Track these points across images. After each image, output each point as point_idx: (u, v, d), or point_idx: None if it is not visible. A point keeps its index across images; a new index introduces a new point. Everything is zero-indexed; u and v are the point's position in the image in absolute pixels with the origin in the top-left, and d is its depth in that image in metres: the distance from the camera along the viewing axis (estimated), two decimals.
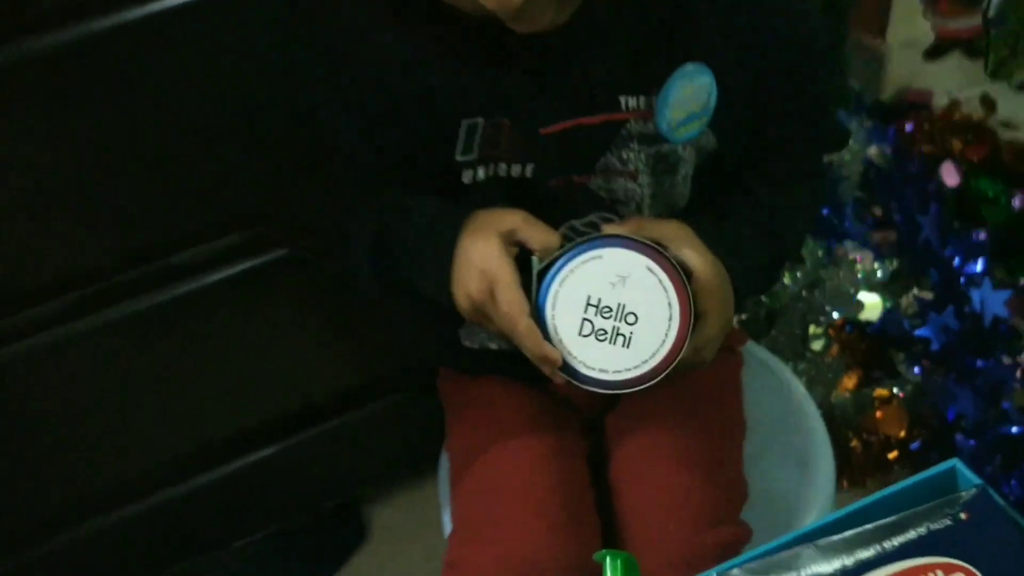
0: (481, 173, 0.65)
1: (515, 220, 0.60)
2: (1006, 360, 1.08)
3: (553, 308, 0.58)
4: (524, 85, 0.62)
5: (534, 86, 0.62)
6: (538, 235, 0.60)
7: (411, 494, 1.18)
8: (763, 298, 1.13)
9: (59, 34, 0.73)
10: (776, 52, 0.65)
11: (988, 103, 1.49)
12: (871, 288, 1.14)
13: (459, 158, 0.63)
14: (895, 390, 1.10)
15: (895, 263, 1.15)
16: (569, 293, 0.58)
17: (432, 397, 0.83)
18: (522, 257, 0.60)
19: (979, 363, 1.07)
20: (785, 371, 0.94)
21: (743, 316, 1.14)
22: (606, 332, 0.57)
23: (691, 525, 0.65)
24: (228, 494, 1.07)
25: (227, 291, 0.93)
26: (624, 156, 0.66)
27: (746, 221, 0.68)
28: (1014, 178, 1.36)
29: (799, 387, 0.93)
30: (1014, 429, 1.00)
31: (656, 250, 0.59)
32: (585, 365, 0.58)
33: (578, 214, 0.67)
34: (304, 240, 0.83)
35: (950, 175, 1.38)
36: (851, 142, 1.21)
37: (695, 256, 0.61)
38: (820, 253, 1.14)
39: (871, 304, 1.11)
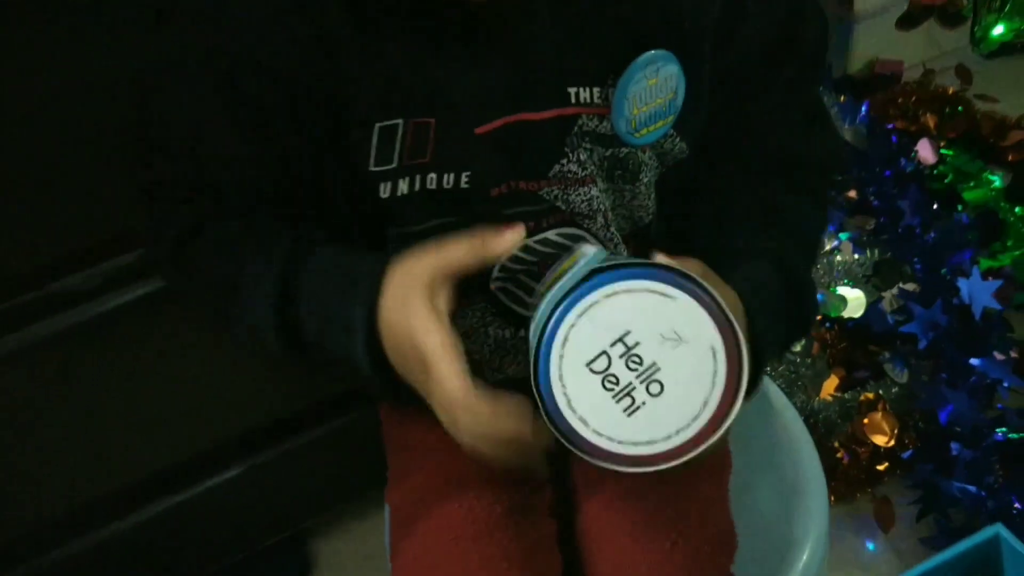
0: (404, 186, 0.53)
1: (431, 262, 0.47)
2: (999, 356, 1.00)
3: (563, 349, 0.42)
4: (452, 75, 0.51)
5: (464, 75, 0.51)
6: (473, 251, 0.48)
7: (357, 524, 1.11)
8: None
9: None
10: (760, 18, 0.54)
11: (964, 74, 1.41)
12: (852, 282, 1.05)
13: (374, 169, 0.52)
14: (880, 392, 1.02)
15: (876, 254, 1.07)
16: (593, 331, 0.43)
17: (377, 419, 0.74)
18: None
19: (972, 361, 0.99)
20: (764, 381, 0.85)
21: None
22: (626, 390, 0.43)
23: None
24: (157, 537, 0.98)
25: (139, 313, 0.83)
26: (582, 158, 0.55)
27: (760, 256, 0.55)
28: (994, 154, 1.29)
29: (780, 397, 0.84)
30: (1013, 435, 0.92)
31: (725, 316, 0.43)
32: (599, 433, 0.43)
33: (530, 230, 0.56)
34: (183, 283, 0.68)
35: (927, 152, 1.30)
36: None
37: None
38: None
39: (854, 300, 1.02)
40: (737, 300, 0.48)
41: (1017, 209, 1.19)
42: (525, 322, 0.57)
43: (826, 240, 1.10)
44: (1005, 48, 1.49)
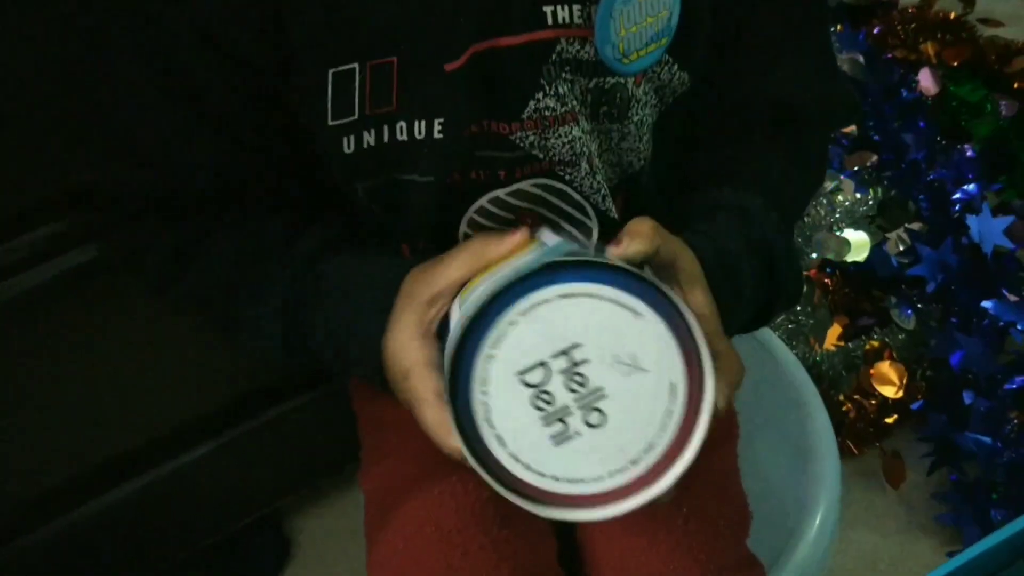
0: (369, 138, 0.46)
1: (430, 281, 0.42)
2: (1011, 298, 0.94)
3: (494, 348, 0.34)
4: (413, 3, 0.43)
5: (426, 3, 0.44)
6: (473, 262, 0.41)
7: (339, 498, 1.06)
8: None
9: None
10: None
11: None
12: (855, 223, 0.98)
13: (333, 123, 0.45)
14: (887, 340, 0.96)
15: (879, 193, 1.00)
16: (535, 335, 0.34)
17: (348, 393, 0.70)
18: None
19: (984, 304, 0.92)
20: (766, 333, 0.79)
21: None
22: (559, 414, 0.35)
23: None
24: (121, 522, 0.93)
25: (78, 287, 0.77)
26: (560, 91, 0.47)
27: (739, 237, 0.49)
28: (999, 82, 1.22)
29: (785, 351, 0.79)
30: None
31: (698, 351, 0.35)
32: (515, 458, 0.35)
33: (502, 179, 0.49)
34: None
35: (928, 82, 1.23)
36: None
37: (706, 305, 0.41)
38: None
39: (858, 243, 0.95)
40: (695, 266, 0.42)
41: None
42: None
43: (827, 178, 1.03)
44: None
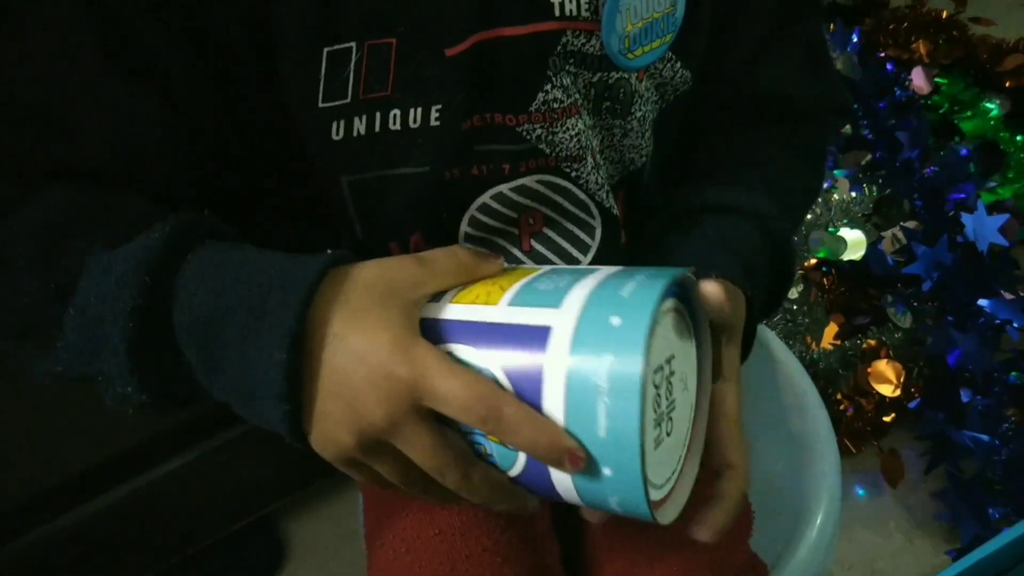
0: (360, 126, 0.44)
1: (428, 285, 0.37)
2: (1007, 295, 0.94)
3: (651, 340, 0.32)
4: None
5: None
6: (461, 273, 0.38)
7: (334, 502, 1.06)
8: None
9: None
10: None
11: None
12: (851, 222, 0.98)
13: (324, 105, 0.43)
14: (883, 339, 0.95)
15: (874, 191, 1.00)
16: (665, 336, 0.34)
17: None
18: None
19: (980, 302, 0.92)
20: (766, 333, 0.78)
21: None
22: (663, 416, 0.34)
23: None
24: (112, 527, 0.92)
25: None
26: (565, 83, 0.46)
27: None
28: (991, 80, 1.22)
29: (783, 349, 0.78)
30: None
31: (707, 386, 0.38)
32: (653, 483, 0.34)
33: (506, 173, 0.48)
34: None
35: (921, 81, 1.23)
36: None
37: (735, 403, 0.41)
38: None
39: (854, 241, 0.95)
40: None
41: (1018, 138, 1.13)
42: None
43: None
44: None
